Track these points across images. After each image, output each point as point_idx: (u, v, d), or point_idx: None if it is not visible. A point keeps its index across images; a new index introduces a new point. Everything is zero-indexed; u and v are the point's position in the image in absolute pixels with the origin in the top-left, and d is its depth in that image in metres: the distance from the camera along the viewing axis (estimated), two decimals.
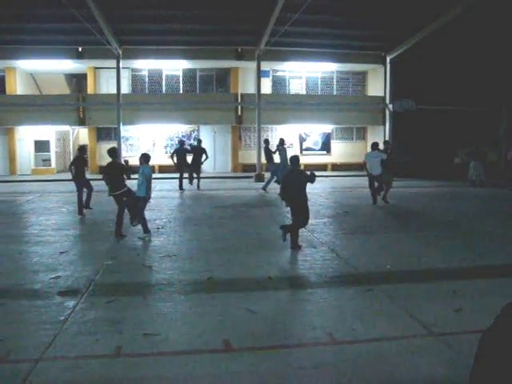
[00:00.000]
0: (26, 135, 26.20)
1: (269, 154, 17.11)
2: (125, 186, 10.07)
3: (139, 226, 9.99)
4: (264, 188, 17.48)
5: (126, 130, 25.25)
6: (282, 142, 16.76)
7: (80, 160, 13.25)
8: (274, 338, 4.74)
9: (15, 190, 19.49)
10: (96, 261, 7.75)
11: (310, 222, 8.95)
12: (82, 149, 13.46)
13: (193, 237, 10.07)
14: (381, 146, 15.93)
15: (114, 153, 10.27)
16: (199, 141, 19.24)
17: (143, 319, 5.23)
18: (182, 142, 18.87)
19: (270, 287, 6.39)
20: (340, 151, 28.03)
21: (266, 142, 17.75)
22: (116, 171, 10.05)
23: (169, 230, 10.75)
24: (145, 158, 9.98)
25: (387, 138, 24.41)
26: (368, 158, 14.50)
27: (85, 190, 13.25)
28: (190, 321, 5.23)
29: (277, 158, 16.75)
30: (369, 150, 27.44)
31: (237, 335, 4.79)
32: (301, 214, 8.56)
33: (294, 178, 8.59)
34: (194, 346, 4.60)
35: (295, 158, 8.71)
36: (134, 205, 9.93)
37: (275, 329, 4.96)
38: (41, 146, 26.47)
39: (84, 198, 13.12)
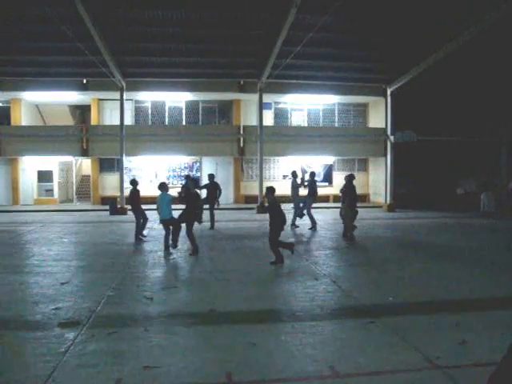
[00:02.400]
0: (30, 165, 26.40)
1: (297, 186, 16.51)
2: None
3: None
4: (293, 223, 16.45)
5: (128, 161, 25.43)
6: (313, 174, 17.02)
7: (136, 192, 13.95)
8: (276, 371, 4.69)
9: (17, 219, 19.52)
10: (97, 292, 7.71)
11: (312, 253, 8.99)
12: (135, 182, 14.14)
13: (194, 268, 10.06)
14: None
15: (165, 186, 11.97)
16: (212, 175, 17.47)
17: (144, 351, 5.18)
18: (189, 177, 17.65)
19: (271, 319, 6.34)
20: (342, 183, 27.96)
21: (294, 174, 16.72)
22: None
23: (170, 261, 10.73)
24: (163, 186, 11.85)
25: (389, 169, 24.49)
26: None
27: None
28: (191, 353, 5.18)
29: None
30: (371, 181, 27.76)
31: (238, 368, 4.74)
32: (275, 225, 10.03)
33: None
34: (194, 378, 4.55)
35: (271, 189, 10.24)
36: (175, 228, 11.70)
37: (277, 362, 4.91)
38: (44, 176, 26.66)
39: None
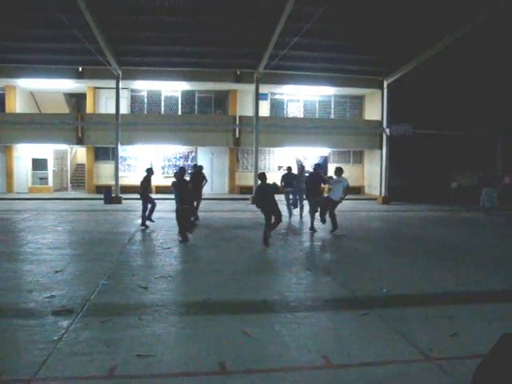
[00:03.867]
0: (24, 153, 26.26)
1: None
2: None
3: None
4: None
5: (123, 150, 25.34)
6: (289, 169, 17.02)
7: (148, 180, 14.38)
8: (269, 361, 4.71)
9: (12, 207, 19.45)
10: (91, 280, 7.70)
11: (306, 244, 9.04)
12: (149, 170, 14.61)
13: (189, 258, 10.08)
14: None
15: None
16: (200, 167, 17.15)
17: (137, 340, 5.18)
18: (201, 167, 16.98)
19: (265, 310, 6.36)
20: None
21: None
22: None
23: (165, 250, 10.73)
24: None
25: (384, 162, 24.54)
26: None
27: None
28: (185, 342, 5.19)
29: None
30: (366, 174, 27.79)
31: (231, 357, 4.75)
32: (274, 215, 10.97)
33: (263, 190, 11.10)
34: (188, 367, 4.56)
35: (263, 175, 11.33)
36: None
37: (270, 352, 4.92)
38: (38, 165, 26.54)
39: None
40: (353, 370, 4.55)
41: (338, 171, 13.57)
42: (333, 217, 13.08)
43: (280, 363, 4.67)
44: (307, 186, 14.03)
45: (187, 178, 13.77)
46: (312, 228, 13.33)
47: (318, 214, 13.35)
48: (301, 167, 18.08)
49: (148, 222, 13.94)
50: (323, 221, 13.32)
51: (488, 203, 18.67)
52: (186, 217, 11.74)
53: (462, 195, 24.04)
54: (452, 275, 8.45)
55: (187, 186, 11.97)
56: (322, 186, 14.32)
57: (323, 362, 4.70)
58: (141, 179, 14.44)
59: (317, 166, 14.60)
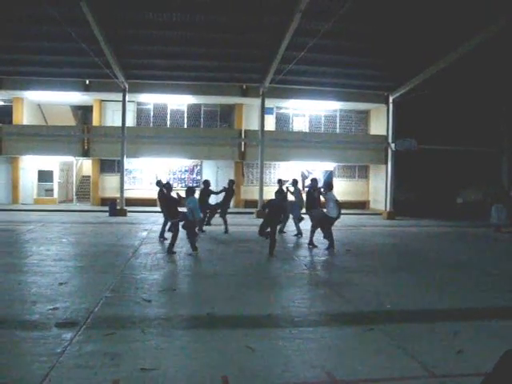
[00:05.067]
0: (30, 165, 26.38)
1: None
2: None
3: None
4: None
5: (129, 163, 25.42)
6: (295, 182, 16.44)
7: (206, 192, 15.48)
8: (273, 376, 4.68)
9: (17, 219, 19.50)
10: (95, 293, 7.70)
11: (311, 259, 9.02)
12: (207, 183, 15.94)
13: (193, 271, 10.06)
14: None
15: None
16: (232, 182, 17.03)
17: (141, 353, 5.17)
18: (207, 183, 16.44)
19: (269, 324, 6.34)
20: (342, 189, 28.10)
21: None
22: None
23: (169, 264, 10.73)
24: (190, 191, 11.94)
25: (389, 177, 24.52)
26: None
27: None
28: (188, 356, 5.17)
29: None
30: (371, 188, 27.77)
31: (235, 372, 4.73)
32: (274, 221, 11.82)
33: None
34: (191, 381, 4.54)
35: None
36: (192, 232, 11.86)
37: (274, 367, 4.90)
38: (44, 176, 26.64)
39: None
40: None
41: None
42: (329, 235, 12.91)
43: (284, 378, 4.64)
44: (306, 199, 14.05)
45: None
46: (311, 243, 13.25)
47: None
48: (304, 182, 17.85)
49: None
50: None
51: (496, 220, 18.36)
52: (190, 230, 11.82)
53: (468, 211, 23.97)
54: (457, 291, 8.40)
55: (174, 201, 12.20)
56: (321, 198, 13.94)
57: (327, 378, 4.67)
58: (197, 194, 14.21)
59: (313, 181, 14.53)
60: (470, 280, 9.53)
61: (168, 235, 12.84)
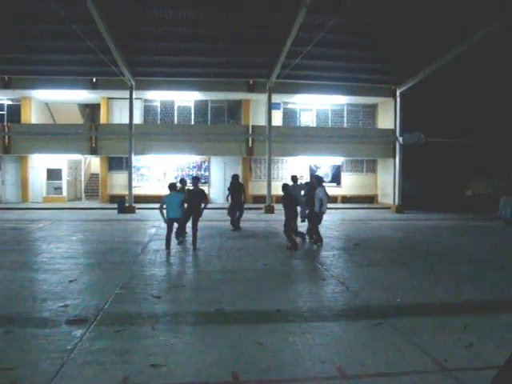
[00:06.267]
0: (39, 163, 26.54)
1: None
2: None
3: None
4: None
5: (137, 160, 25.49)
6: (294, 179, 16.14)
7: (238, 187, 16.02)
8: (282, 371, 4.68)
9: (26, 217, 19.63)
10: (105, 290, 7.73)
11: (317, 254, 9.16)
12: (236, 177, 16.36)
13: (202, 267, 10.08)
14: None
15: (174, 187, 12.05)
16: (237, 176, 16.99)
17: (151, 350, 5.19)
18: (236, 177, 16.64)
19: (278, 320, 6.33)
20: (350, 183, 28.11)
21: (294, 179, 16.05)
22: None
23: (178, 259, 10.76)
24: (170, 186, 11.91)
25: (397, 170, 24.41)
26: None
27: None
28: (198, 352, 5.18)
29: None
30: (379, 182, 27.68)
31: (244, 367, 4.73)
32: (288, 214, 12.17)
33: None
34: (201, 377, 4.55)
35: (285, 185, 12.50)
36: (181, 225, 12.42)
37: (283, 362, 4.90)
38: (53, 174, 26.77)
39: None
40: (367, 381, 4.51)
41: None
42: (315, 230, 12.86)
43: (293, 373, 4.64)
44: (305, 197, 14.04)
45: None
46: (319, 239, 13.13)
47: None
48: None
49: None
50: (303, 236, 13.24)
51: (504, 212, 18.14)
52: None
53: (477, 203, 23.85)
54: (467, 285, 8.36)
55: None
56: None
57: (337, 373, 4.66)
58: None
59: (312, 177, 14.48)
60: (480, 273, 9.47)
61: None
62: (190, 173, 26.67)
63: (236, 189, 16.04)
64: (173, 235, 12.03)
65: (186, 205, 11.99)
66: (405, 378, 4.58)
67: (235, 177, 16.45)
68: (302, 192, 15.08)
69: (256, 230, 16.12)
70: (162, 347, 5.27)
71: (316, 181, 13.20)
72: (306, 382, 4.51)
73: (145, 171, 26.92)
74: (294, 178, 16.09)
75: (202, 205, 12.12)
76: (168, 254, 11.21)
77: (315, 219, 12.88)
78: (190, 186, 13.82)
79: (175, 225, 12.09)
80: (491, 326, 6.07)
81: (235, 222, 15.81)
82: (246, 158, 26.64)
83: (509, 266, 10.21)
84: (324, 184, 13.22)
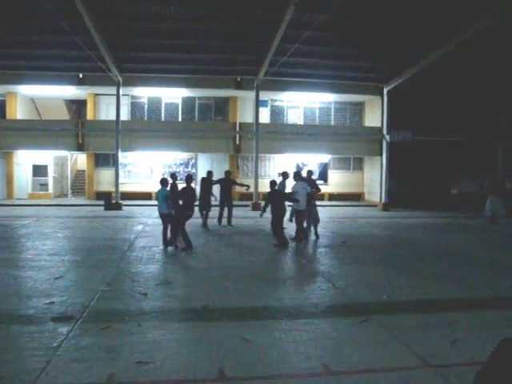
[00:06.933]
0: (25, 159, 26.27)
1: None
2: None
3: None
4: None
5: (124, 157, 25.36)
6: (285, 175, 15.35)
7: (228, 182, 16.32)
8: (269, 368, 4.70)
9: (12, 214, 19.44)
10: (91, 287, 7.70)
11: (305, 252, 9.11)
12: (229, 173, 16.71)
13: (189, 265, 10.07)
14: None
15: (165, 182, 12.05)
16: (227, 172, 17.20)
17: (137, 347, 5.18)
18: (209, 173, 16.59)
19: (265, 316, 6.35)
20: (337, 181, 28.20)
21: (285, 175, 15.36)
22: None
23: (164, 257, 10.74)
24: (164, 181, 11.93)
25: (384, 168, 24.54)
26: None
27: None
28: (185, 349, 5.18)
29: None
30: (366, 180, 27.81)
31: (231, 364, 4.75)
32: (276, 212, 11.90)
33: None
34: (187, 374, 4.55)
35: (273, 182, 12.30)
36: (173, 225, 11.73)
37: (270, 358, 4.92)
38: (39, 171, 26.53)
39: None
40: (353, 378, 4.55)
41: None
42: (300, 227, 12.75)
43: (280, 370, 4.67)
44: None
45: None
46: (315, 234, 13.40)
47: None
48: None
49: None
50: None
51: (490, 212, 18.19)
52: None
53: (463, 202, 24.06)
54: (452, 282, 8.45)
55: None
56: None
57: (323, 369, 4.69)
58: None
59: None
60: (465, 271, 9.56)
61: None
62: (178, 170, 26.57)
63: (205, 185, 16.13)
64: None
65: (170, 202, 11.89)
66: (391, 374, 4.62)
67: (209, 173, 16.51)
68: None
69: (243, 227, 16.12)
70: (148, 344, 5.27)
71: (295, 176, 13.00)
72: (293, 378, 4.54)
73: (132, 168, 26.79)
74: (286, 175, 15.18)
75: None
76: (164, 250, 11.32)
77: (298, 216, 12.80)
78: (182, 183, 13.61)
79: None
80: (476, 322, 6.15)
81: (219, 219, 16.25)
82: (234, 155, 26.61)
83: (495, 264, 10.31)
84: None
